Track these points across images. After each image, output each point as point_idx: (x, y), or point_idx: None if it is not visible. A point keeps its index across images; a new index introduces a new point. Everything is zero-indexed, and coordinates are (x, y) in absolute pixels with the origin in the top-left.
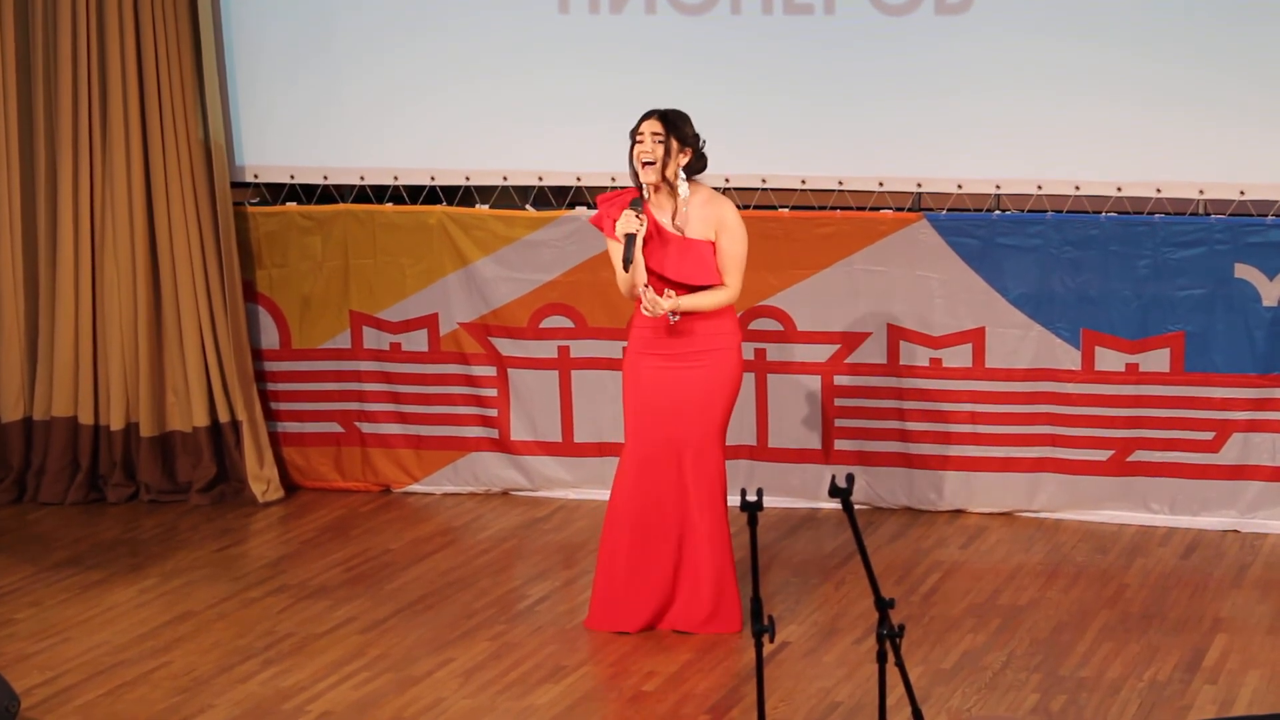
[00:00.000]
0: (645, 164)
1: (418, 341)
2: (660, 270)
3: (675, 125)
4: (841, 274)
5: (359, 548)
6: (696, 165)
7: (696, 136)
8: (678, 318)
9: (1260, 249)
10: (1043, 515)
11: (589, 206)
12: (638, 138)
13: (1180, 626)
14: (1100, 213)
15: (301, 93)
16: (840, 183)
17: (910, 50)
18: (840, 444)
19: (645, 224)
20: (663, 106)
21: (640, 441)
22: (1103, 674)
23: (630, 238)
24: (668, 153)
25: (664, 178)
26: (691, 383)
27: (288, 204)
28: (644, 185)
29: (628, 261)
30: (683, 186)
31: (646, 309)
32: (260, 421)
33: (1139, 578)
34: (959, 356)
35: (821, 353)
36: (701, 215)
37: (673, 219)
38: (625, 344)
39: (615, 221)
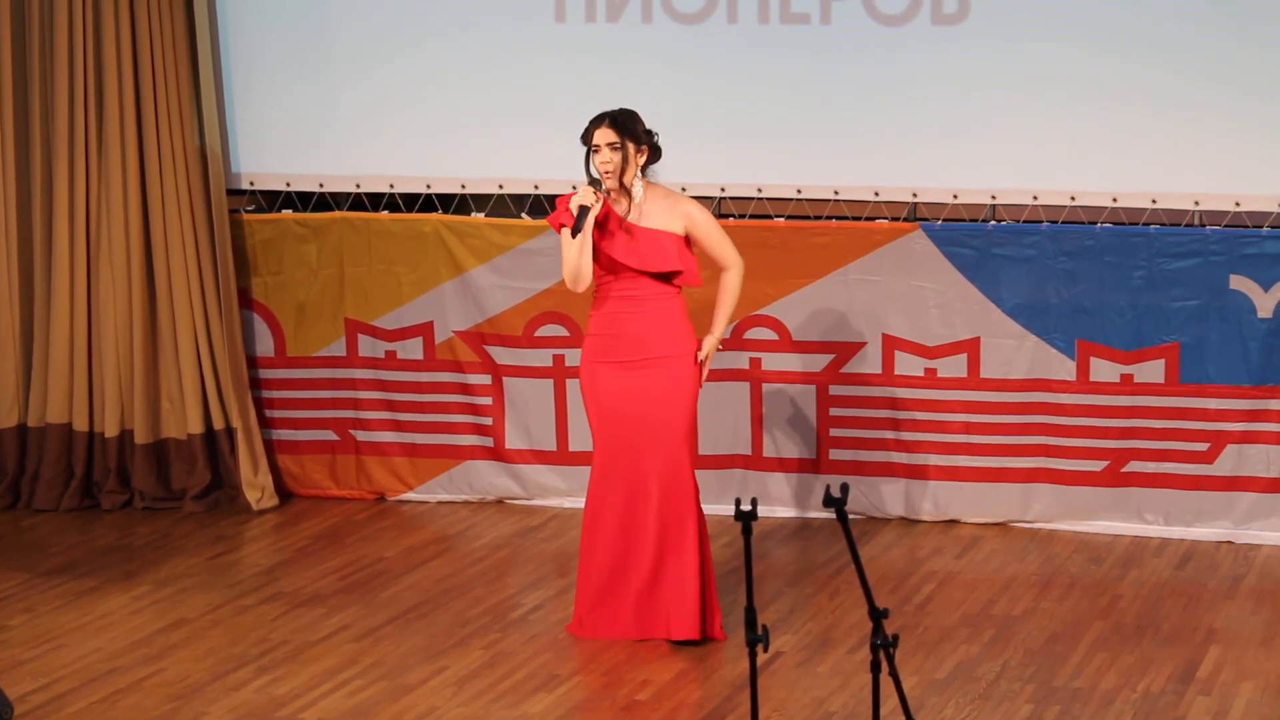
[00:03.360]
0: (607, 173)
1: (413, 349)
2: (623, 259)
3: (627, 128)
4: (837, 284)
5: (353, 555)
6: (653, 159)
7: (649, 133)
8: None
9: (1255, 260)
10: (1037, 526)
11: None
12: (594, 147)
13: (1174, 637)
14: (1095, 223)
15: (298, 100)
16: (836, 192)
17: (906, 60)
18: (835, 453)
19: (601, 202)
20: (610, 109)
21: (606, 451)
22: (1096, 685)
23: (584, 209)
24: (625, 158)
25: (621, 183)
26: (651, 391)
27: (283, 211)
28: (604, 190)
29: (576, 230)
30: (638, 187)
31: (706, 358)
32: (255, 429)
33: (1133, 588)
34: (954, 367)
35: (816, 362)
36: (664, 208)
37: (629, 214)
38: (580, 351)
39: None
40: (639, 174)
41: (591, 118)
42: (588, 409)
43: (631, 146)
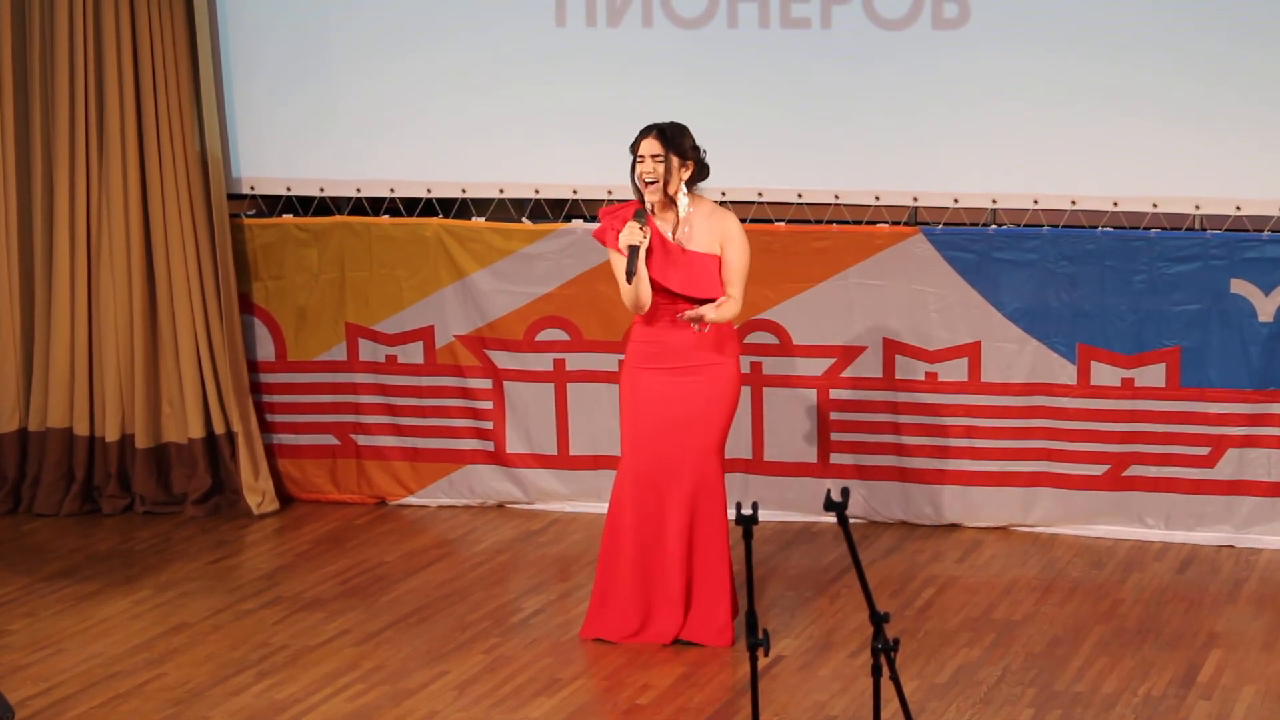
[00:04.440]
0: (648, 184)
1: (413, 354)
2: (664, 283)
3: (673, 142)
4: (838, 288)
5: (354, 560)
6: (699, 175)
7: (695, 148)
8: (706, 328)
9: (1256, 264)
10: (1038, 530)
11: (585, 219)
12: (639, 157)
13: (1175, 641)
14: (1096, 227)
15: (298, 105)
16: (837, 196)
17: (907, 64)
18: (836, 458)
19: (648, 236)
20: (661, 121)
21: (638, 456)
22: (1097, 689)
23: (634, 250)
24: (668, 170)
25: (666, 194)
26: (690, 397)
27: (284, 216)
28: (647, 201)
29: (630, 274)
30: (683, 201)
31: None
32: (255, 433)
33: (1134, 593)
34: (955, 371)
35: (817, 366)
36: (706, 228)
37: (674, 232)
38: (622, 357)
39: (618, 233)
40: (684, 189)
41: (643, 127)
42: (623, 412)
43: (675, 160)
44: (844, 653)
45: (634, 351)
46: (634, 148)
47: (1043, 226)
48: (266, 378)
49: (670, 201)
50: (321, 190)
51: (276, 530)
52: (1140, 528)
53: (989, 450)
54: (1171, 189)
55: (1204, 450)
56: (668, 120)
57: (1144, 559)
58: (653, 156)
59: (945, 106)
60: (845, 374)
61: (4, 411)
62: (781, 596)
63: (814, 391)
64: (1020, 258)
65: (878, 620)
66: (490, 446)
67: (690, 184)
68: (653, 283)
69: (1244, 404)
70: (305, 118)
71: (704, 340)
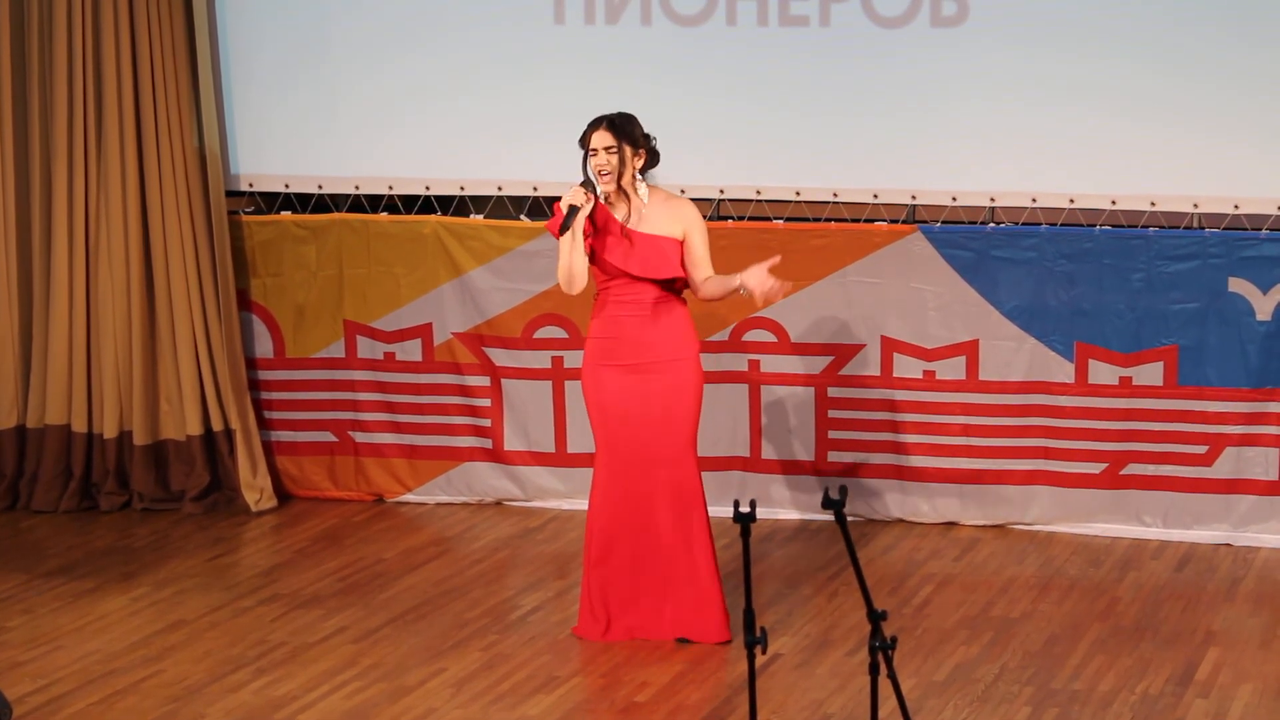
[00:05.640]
0: (603, 175)
1: (412, 351)
2: (624, 266)
3: (625, 132)
4: (835, 286)
5: (352, 557)
6: (651, 163)
7: (646, 136)
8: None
9: (1254, 263)
10: (1036, 528)
11: None
12: (591, 151)
13: (1172, 640)
14: (1095, 226)
15: (297, 102)
16: (835, 195)
17: (905, 62)
18: (834, 455)
19: (593, 202)
20: (611, 112)
21: (612, 454)
22: (1095, 687)
23: (573, 209)
24: (622, 161)
25: (620, 186)
26: (655, 395)
27: (282, 213)
28: (600, 193)
29: (565, 228)
30: (642, 189)
31: (763, 293)
32: (254, 430)
33: (1131, 591)
34: (953, 369)
35: (815, 364)
36: (664, 213)
37: (628, 219)
38: (579, 353)
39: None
40: (638, 177)
41: (590, 120)
42: (590, 412)
43: (629, 150)
44: (841, 650)
45: (592, 349)
46: (584, 141)
47: (1041, 225)
48: (265, 375)
49: (624, 192)
50: (320, 187)
51: (274, 527)
52: (1138, 526)
53: (987, 448)
54: (1170, 187)
55: (1202, 449)
56: (616, 111)
57: (1141, 557)
58: (606, 149)
59: (943, 104)
60: (843, 372)
61: (2, 408)
62: (779, 594)
63: (812, 389)
64: (1018, 256)
65: (875, 618)
66: (488, 444)
67: (643, 172)
68: (609, 266)
69: (1242, 402)
70: (304, 115)
71: (663, 335)
